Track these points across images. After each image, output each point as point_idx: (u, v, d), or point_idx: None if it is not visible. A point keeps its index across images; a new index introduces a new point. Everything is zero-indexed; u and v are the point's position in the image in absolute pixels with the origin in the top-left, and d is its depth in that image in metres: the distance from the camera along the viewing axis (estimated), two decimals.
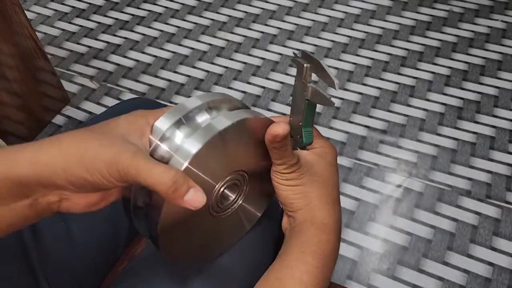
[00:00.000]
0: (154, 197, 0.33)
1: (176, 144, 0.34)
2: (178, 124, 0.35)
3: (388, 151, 1.19)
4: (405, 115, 1.26)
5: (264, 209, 0.47)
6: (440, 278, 0.98)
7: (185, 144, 0.33)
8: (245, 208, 0.44)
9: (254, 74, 1.38)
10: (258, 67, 1.40)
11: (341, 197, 1.13)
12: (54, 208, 0.32)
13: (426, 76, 1.35)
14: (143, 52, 1.46)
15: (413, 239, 1.04)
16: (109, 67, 1.42)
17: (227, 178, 0.38)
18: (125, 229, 0.56)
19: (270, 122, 0.38)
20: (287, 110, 1.28)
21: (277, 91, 1.33)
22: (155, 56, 1.45)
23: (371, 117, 1.26)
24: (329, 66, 1.38)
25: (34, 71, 1.20)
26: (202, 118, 0.36)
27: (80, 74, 1.41)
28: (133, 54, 1.46)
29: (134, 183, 0.31)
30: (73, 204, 0.32)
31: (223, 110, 0.37)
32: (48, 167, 0.29)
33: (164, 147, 0.34)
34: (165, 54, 1.45)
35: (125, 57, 1.45)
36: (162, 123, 0.35)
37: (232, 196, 0.41)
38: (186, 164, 0.32)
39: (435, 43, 1.43)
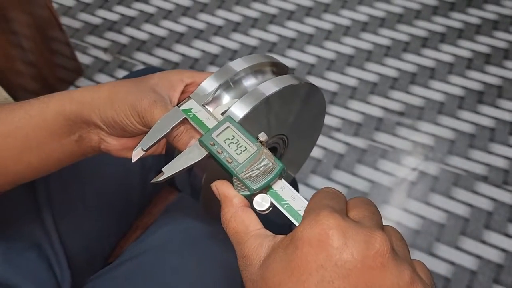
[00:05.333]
0: None
1: (222, 106, 0.35)
2: (224, 86, 0.36)
3: (405, 134, 1.17)
4: (423, 97, 1.23)
5: (296, 173, 0.48)
6: (451, 263, 0.97)
7: (233, 107, 0.34)
8: None
9: (270, 51, 1.35)
10: (275, 44, 1.37)
11: (354, 178, 1.13)
12: (96, 148, 0.37)
13: (448, 58, 1.31)
14: (158, 25, 1.44)
15: (426, 223, 1.03)
16: (123, 39, 1.41)
17: (269, 141, 0.39)
18: (137, 198, 0.56)
19: (314, 87, 0.39)
20: None
21: (292, 69, 1.31)
22: (169, 29, 1.43)
23: (389, 98, 1.24)
24: (347, 46, 1.35)
25: (49, 42, 1.19)
26: (249, 82, 0.37)
27: (94, 46, 1.40)
28: (148, 27, 1.44)
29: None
30: (110, 145, 0.36)
31: (268, 74, 0.38)
32: (89, 105, 0.34)
33: (210, 108, 0.35)
34: (180, 28, 1.43)
35: (140, 29, 1.43)
36: (208, 84, 0.35)
37: None
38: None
39: (458, 25, 1.39)
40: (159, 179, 0.32)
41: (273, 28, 1.41)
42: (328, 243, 0.23)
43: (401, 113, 1.20)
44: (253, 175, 0.30)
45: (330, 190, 0.28)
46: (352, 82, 1.27)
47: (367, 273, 0.22)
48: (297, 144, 0.43)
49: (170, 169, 0.32)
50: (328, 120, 1.20)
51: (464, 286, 0.94)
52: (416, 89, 1.25)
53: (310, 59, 1.33)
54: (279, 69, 0.39)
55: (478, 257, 0.97)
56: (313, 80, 1.28)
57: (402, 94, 1.24)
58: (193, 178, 0.37)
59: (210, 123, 0.34)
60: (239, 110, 0.34)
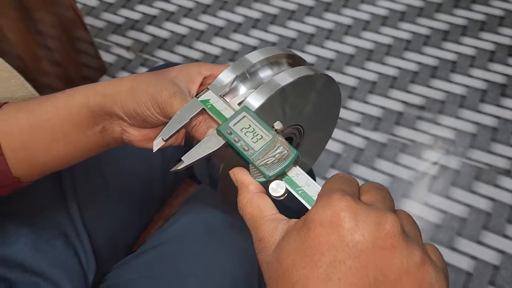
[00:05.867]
0: None
1: (239, 97, 0.36)
2: (241, 77, 0.37)
3: (425, 128, 1.16)
4: (445, 91, 1.22)
5: (313, 164, 0.48)
6: (473, 257, 0.96)
7: (249, 97, 0.35)
8: None
9: (289, 46, 1.36)
10: (294, 39, 1.38)
11: (374, 172, 1.13)
12: (119, 139, 0.38)
13: (469, 51, 1.29)
14: (179, 23, 1.46)
15: (447, 217, 1.02)
16: (145, 38, 1.44)
17: (285, 131, 0.40)
18: (158, 190, 0.57)
19: (330, 79, 0.40)
20: None
21: (311, 65, 1.31)
22: (190, 27, 1.45)
23: (409, 92, 1.23)
24: (367, 40, 1.34)
25: (74, 41, 1.22)
26: (265, 74, 0.38)
27: (117, 44, 1.43)
28: (169, 25, 1.46)
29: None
30: (131, 136, 0.38)
31: (284, 66, 0.39)
32: (112, 98, 0.36)
33: (227, 98, 0.36)
34: (200, 26, 1.45)
35: (161, 28, 1.46)
36: (225, 75, 0.37)
37: None
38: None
39: (480, 17, 1.36)
40: (178, 168, 0.33)
41: (292, 24, 1.42)
42: (340, 225, 0.24)
43: (421, 107, 1.19)
44: (268, 162, 0.31)
45: (343, 175, 0.29)
46: (371, 76, 1.27)
47: (378, 254, 0.23)
48: (313, 135, 0.44)
49: (189, 158, 0.33)
50: (347, 114, 1.20)
51: (487, 281, 0.93)
52: (437, 83, 1.24)
53: (330, 54, 1.33)
54: (295, 61, 0.40)
55: (501, 251, 0.96)
56: (332, 75, 1.27)
57: (422, 88, 1.23)
58: (211, 168, 0.38)
59: (227, 113, 0.35)
60: (255, 100, 0.35)
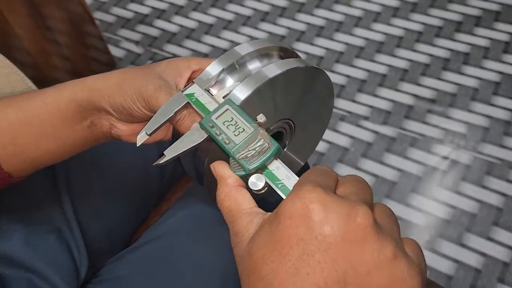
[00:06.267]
0: None
1: (225, 89, 0.36)
2: (228, 69, 0.36)
3: (436, 121, 1.14)
4: (456, 83, 1.19)
5: (307, 159, 0.47)
6: (483, 254, 0.94)
7: (235, 89, 0.34)
8: (289, 157, 0.45)
9: (298, 39, 1.34)
10: (303, 32, 1.36)
11: (382, 167, 1.11)
12: (107, 134, 0.38)
13: (483, 42, 1.26)
14: (187, 17, 1.46)
15: (457, 212, 1.00)
16: (154, 32, 1.44)
17: (274, 126, 0.39)
18: (155, 187, 0.57)
19: (320, 71, 0.38)
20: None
21: (321, 57, 1.30)
22: (199, 21, 1.44)
23: (420, 85, 1.20)
24: (377, 32, 1.32)
25: (83, 36, 1.23)
26: (254, 66, 0.37)
27: (126, 39, 1.44)
28: (178, 19, 1.46)
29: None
30: (119, 131, 0.37)
31: (275, 58, 0.38)
32: (100, 92, 0.35)
33: (213, 91, 0.36)
34: (209, 19, 1.44)
35: (170, 22, 1.46)
36: (213, 67, 0.36)
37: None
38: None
39: (494, 7, 1.33)
40: (160, 162, 0.33)
41: (302, 16, 1.40)
42: (309, 217, 0.23)
43: (432, 100, 1.17)
44: (249, 156, 0.31)
45: (321, 167, 0.28)
46: (382, 69, 1.24)
47: (347, 247, 0.22)
48: (306, 129, 0.43)
49: (171, 151, 0.33)
50: (356, 108, 1.18)
51: (496, 278, 0.91)
52: (449, 75, 1.21)
53: (339, 47, 1.31)
54: (287, 54, 0.39)
55: (511, 248, 0.94)
56: (341, 68, 1.26)
57: (433, 80, 1.20)
58: (197, 162, 0.38)
59: (212, 107, 0.34)
60: (241, 93, 0.34)
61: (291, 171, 0.31)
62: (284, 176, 0.30)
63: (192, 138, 0.33)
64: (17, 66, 0.58)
